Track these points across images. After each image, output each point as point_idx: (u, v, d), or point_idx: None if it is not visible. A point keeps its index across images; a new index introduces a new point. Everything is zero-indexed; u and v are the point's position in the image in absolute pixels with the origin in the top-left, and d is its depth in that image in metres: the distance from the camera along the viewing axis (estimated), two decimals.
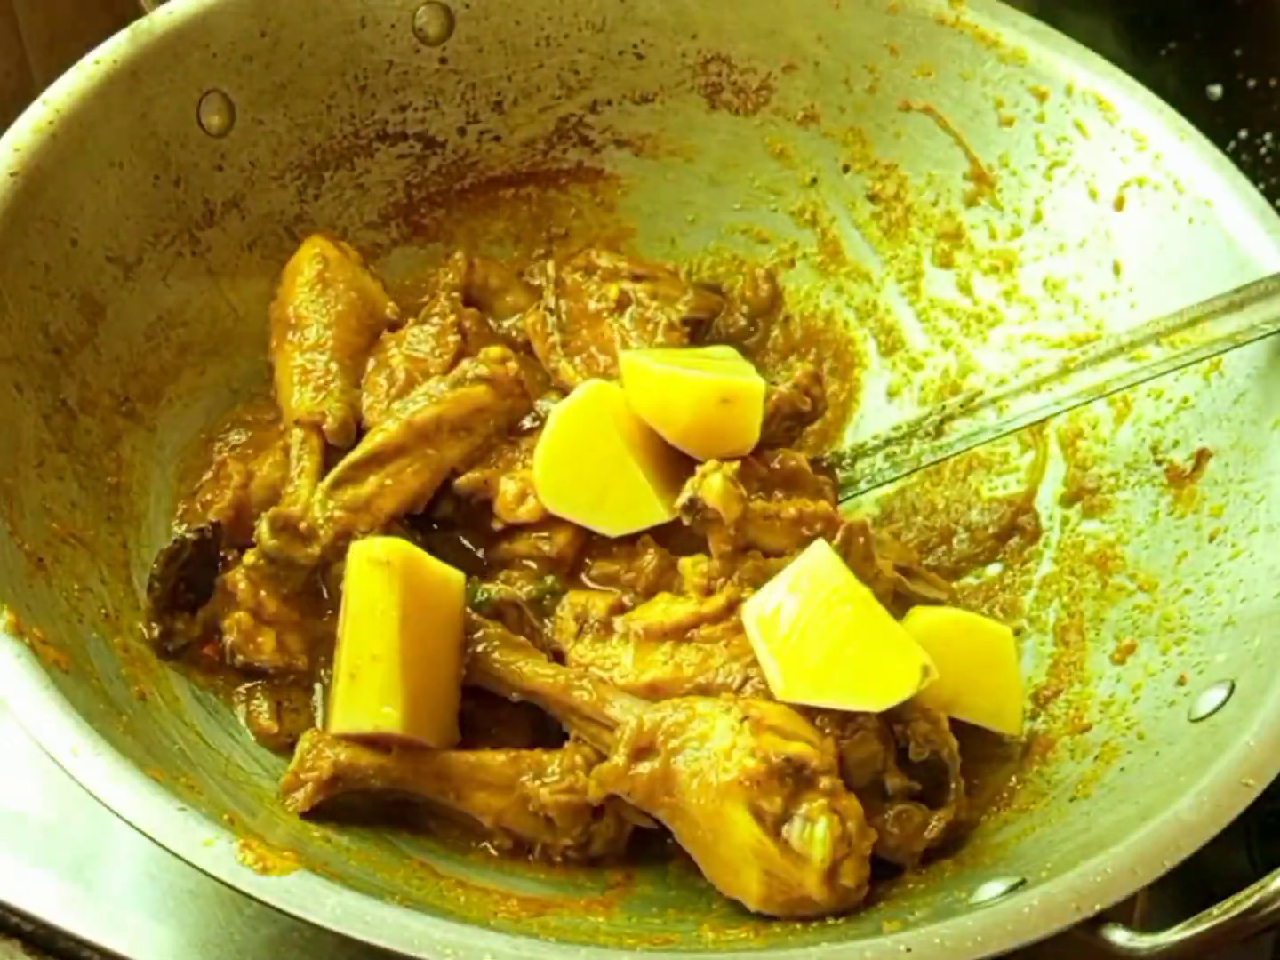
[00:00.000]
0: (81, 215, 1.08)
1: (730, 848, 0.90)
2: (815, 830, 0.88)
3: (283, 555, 1.03)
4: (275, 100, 1.19)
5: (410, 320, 1.18)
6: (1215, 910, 0.80)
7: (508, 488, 1.08)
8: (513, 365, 1.10)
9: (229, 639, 1.03)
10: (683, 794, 0.92)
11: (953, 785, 0.97)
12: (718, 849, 0.91)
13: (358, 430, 1.12)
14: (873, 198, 1.28)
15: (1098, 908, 0.80)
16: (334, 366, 1.14)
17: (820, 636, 0.94)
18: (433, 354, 1.14)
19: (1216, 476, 1.08)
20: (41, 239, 1.05)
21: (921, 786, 0.97)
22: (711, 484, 1.03)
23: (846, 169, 1.28)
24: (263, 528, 1.04)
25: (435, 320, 1.16)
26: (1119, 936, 0.81)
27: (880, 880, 0.93)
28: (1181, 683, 0.99)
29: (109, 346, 1.10)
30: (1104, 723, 1.02)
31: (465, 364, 1.10)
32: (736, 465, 1.05)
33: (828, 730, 0.94)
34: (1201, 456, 1.09)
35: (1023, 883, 0.85)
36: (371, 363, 1.15)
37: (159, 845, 0.81)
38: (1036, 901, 0.81)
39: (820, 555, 0.97)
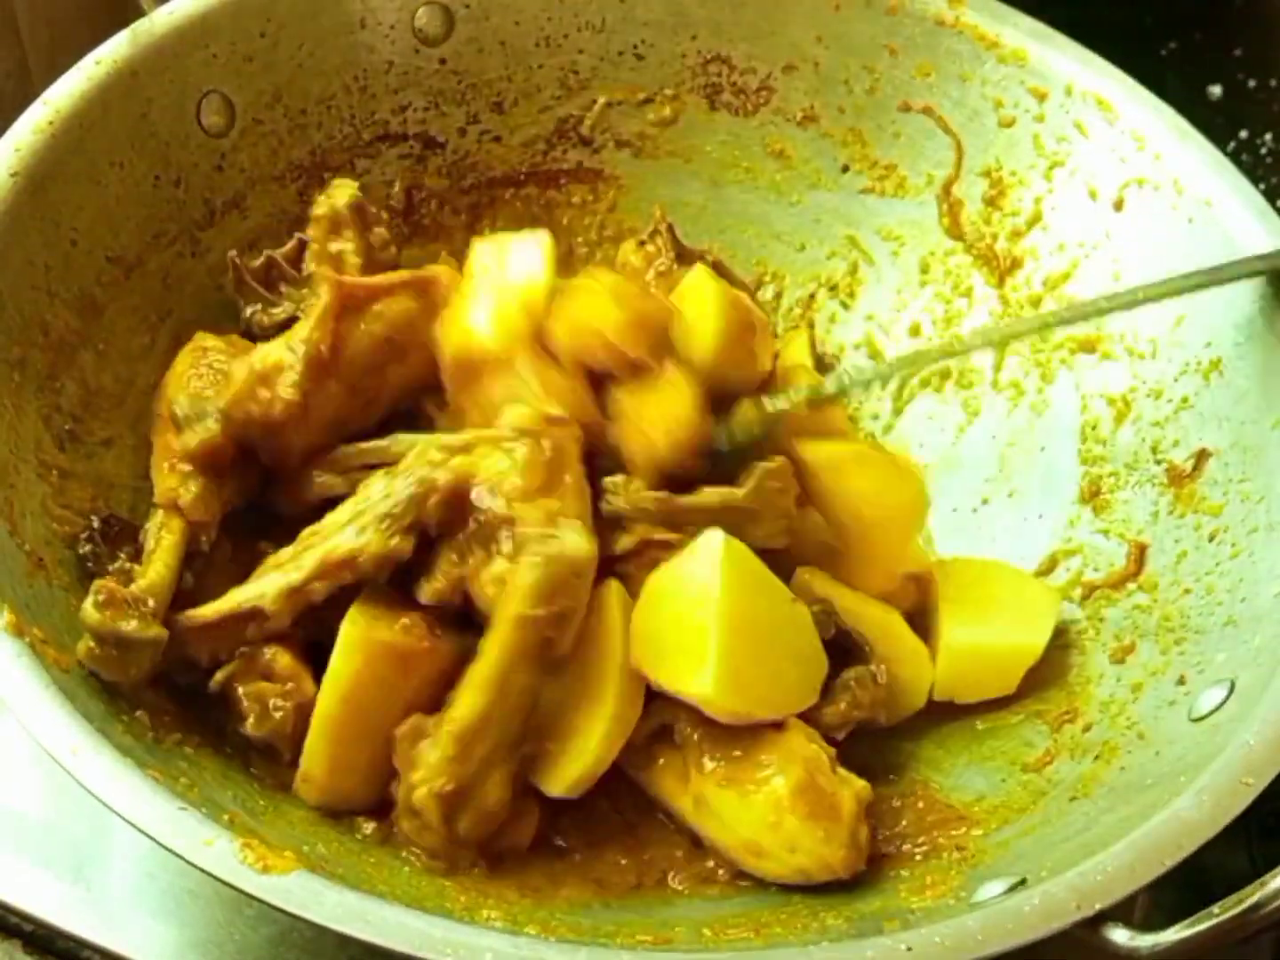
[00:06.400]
0: (81, 215, 1.08)
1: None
2: None
3: (109, 631, 0.91)
4: (275, 100, 1.19)
5: None
6: (1215, 910, 0.80)
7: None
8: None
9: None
10: None
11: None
12: None
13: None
14: None
15: (1098, 907, 0.80)
16: None
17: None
18: None
19: (1216, 476, 1.07)
20: (41, 239, 1.05)
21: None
22: None
23: (846, 169, 1.28)
24: (85, 602, 0.92)
25: None
26: (1119, 936, 0.81)
27: (881, 880, 0.94)
28: (1181, 682, 0.99)
29: (109, 347, 1.10)
30: (1104, 722, 1.02)
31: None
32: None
33: None
34: (1201, 456, 1.09)
35: (1023, 882, 0.85)
36: None
37: (159, 845, 0.81)
38: (1036, 901, 0.81)
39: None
